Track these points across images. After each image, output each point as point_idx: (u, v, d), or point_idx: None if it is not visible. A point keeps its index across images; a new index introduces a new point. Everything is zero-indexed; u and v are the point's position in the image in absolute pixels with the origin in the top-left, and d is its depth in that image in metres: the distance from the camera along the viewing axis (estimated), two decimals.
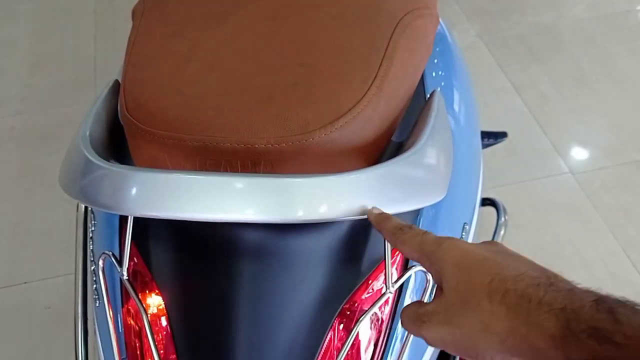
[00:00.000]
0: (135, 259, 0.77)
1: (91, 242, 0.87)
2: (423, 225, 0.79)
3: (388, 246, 0.70)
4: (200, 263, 0.73)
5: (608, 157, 1.88)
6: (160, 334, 0.74)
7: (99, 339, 0.81)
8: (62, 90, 2.19)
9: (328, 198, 0.59)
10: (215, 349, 0.70)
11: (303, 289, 0.71)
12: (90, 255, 0.86)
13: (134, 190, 0.60)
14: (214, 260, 0.72)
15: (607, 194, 1.78)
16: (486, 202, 1.01)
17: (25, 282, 1.65)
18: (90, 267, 0.85)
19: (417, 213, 0.79)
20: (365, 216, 0.62)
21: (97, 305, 0.81)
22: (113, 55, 2.30)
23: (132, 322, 0.78)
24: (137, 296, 0.73)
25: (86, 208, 1.02)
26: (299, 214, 0.59)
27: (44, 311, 1.58)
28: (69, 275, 1.66)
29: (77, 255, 0.94)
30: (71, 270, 1.68)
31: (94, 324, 0.84)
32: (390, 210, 0.62)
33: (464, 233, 0.86)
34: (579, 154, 1.90)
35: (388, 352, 0.74)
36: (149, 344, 0.71)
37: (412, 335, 0.72)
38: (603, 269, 1.63)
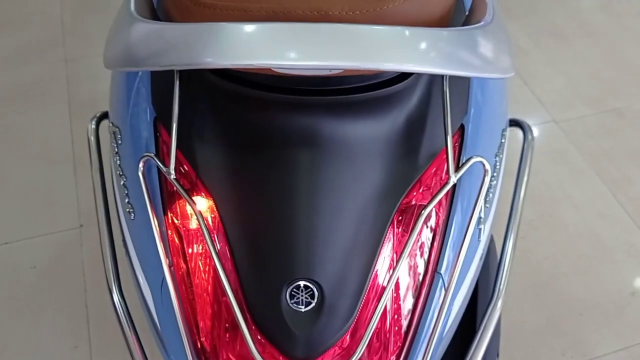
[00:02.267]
0: (178, 159, 0.72)
1: (117, 158, 0.81)
2: (470, 131, 0.77)
3: (449, 135, 0.69)
4: (251, 156, 0.69)
5: (588, 105, 1.92)
6: (213, 236, 0.70)
7: (135, 257, 0.76)
8: (29, 50, 2.07)
9: (413, 48, 0.56)
10: (274, 243, 0.66)
11: (362, 180, 0.69)
12: (117, 170, 0.80)
13: (228, 41, 0.55)
14: (267, 152, 0.68)
15: (590, 140, 1.83)
16: (511, 122, 1.00)
17: (7, 243, 1.55)
18: (119, 182, 0.79)
19: (464, 111, 0.78)
20: (446, 72, 0.59)
21: (133, 218, 0.76)
22: (81, 13, 2.20)
23: (175, 231, 0.74)
24: (188, 194, 0.68)
25: (100, 121, 0.96)
26: (386, 62, 0.55)
27: (30, 271, 1.49)
28: (52, 234, 1.58)
29: (93, 175, 0.88)
30: (54, 228, 1.61)
31: (124, 242, 0.79)
32: (468, 72, 0.60)
33: (503, 140, 0.86)
34: (560, 103, 1.94)
35: (443, 254, 0.73)
36: (206, 245, 0.67)
37: (468, 238, 0.71)
38: (592, 209, 1.67)
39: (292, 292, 0.65)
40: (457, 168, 0.70)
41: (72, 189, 1.66)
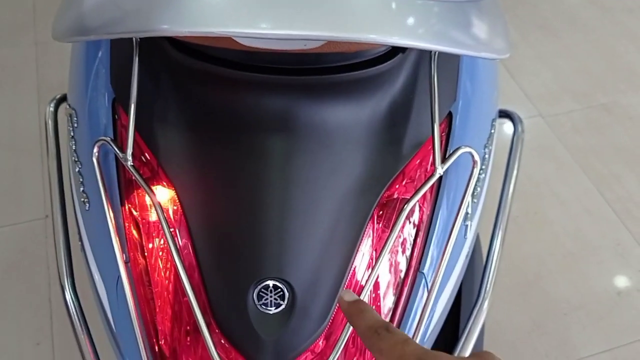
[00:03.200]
0: (137, 144, 0.65)
1: (73, 142, 0.74)
2: (458, 120, 0.71)
3: (436, 122, 0.63)
4: (217, 142, 0.62)
5: (576, 100, 1.88)
6: (174, 230, 0.63)
7: (89, 251, 0.69)
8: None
9: (400, 17, 0.49)
10: (241, 241, 0.60)
11: (341, 171, 0.62)
12: (72, 156, 0.73)
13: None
14: (235, 138, 0.62)
15: (578, 136, 1.79)
16: (501, 113, 0.95)
17: None
18: (75, 169, 0.72)
19: (452, 98, 0.72)
20: (432, 47, 0.52)
21: (87, 208, 0.69)
22: None
23: (133, 223, 0.67)
24: (147, 183, 0.62)
25: (59, 104, 0.89)
26: (368, 33, 0.48)
27: None
28: (16, 224, 1.50)
29: (49, 162, 0.81)
30: (18, 219, 1.53)
31: (79, 235, 0.72)
32: (460, 49, 0.53)
33: (492, 130, 0.80)
34: (547, 97, 1.89)
35: (426, 252, 0.67)
36: (166, 240, 0.61)
37: (454, 235, 0.65)
38: (578, 206, 1.63)
39: (260, 293, 0.59)
40: (444, 159, 0.64)
41: (38, 178, 1.58)
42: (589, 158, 1.73)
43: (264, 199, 0.60)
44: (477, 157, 0.65)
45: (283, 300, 0.59)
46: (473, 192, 0.72)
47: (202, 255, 0.61)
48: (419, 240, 0.67)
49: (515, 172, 0.88)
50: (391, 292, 0.65)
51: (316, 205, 0.61)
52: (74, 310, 0.71)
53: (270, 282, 0.59)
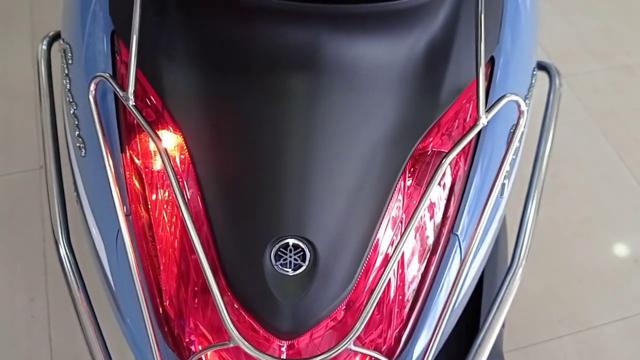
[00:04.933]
0: (139, 83, 0.58)
1: (67, 81, 0.66)
2: (501, 66, 0.64)
3: (481, 65, 0.55)
4: (231, 81, 0.55)
5: (597, 60, 1.80)
6: (181, 180, 0.56)
7: (86, 202, 0.63)
8: None
9: None
10: (258, 194, 0.53)
11: (371, 118, 0.55)
12: (66, 96, 0.66)
13: None
14: (251, 77, 0.54)
15: (598, 97, 1.71)
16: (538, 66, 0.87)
17: None
18: (69, 111, 0.65)
19: (496, 41, 0.64)
20: None
21: (83, 155, 0.62)
22: None
23: (134, 172, 0.60)
24: (151, 127, 0.54)
25: (53, 42, 0.81)
26: None
27: None
28: (10, 175, 1.43)
29: (42, 104, 0.73)
30: (12, 169, 1.45)
31: (75, 185, 0.65)
32: None
33: (533, 80, 0.73)
34: (568, 56, 1.80)
35: (461, 212, 0.60)
36: (172, 191, 0.53)
37: (494, 194, 0.58)
38: (597, 172, 1.56)
39: (279, 253, 0.52)
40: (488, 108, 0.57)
41: (32, 127, 1.50)
42: (609, 121, 1.65)
43: (284, 147, 0.53)
44: (523, 107, 0.57)
45: (304, 261, 0.52)
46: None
47: (212, 208, 0.54)
48: (453, 199, 0.60)
49: (552, 129, 0.81)
50: (423, 255, 0.59)
51: (342, 155, 0.54)
52: (68, 267, 0.64)
53: (290, 241, 0.52)
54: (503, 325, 0.90)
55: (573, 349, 1.28)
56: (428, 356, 0.57)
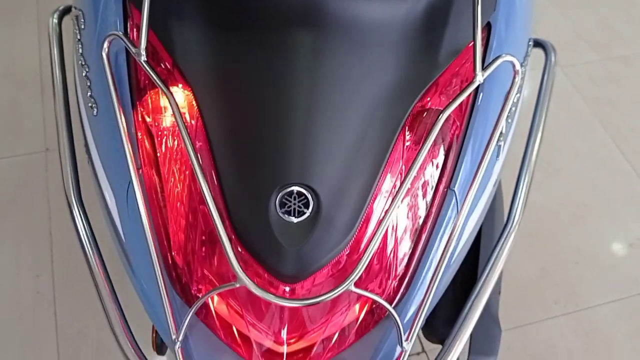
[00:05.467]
0: (150, 43, 0.60)
1: (80, 46, 0.69)
2: (497, 31, 0.66)
3: (478, 27, 0.58)
4: (238, 37, 0.57)
5: (594, 51, 1.82)
6: (191, 132, 0.59)
7: (97, 159, 0.65)
8: None
9: None
10: (264, 144, 0.56)
11: (373, 73, 0.58)
12: (79, 60, 0.68)
13: None
14: (258, 33, 0.57)
15: (595, 87, 1.73)
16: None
17: None
18: (81, 74, 0.67)
19: (492, 8, 0.66)
20: None
21: (95, 114, 0.65)
22: None
23: (145, 130, 0.62)
24: (161, 79, 0.57)
25: (63, 15, 0.83)
26: None
27: None
28: (15, 157, 1.45)
29: (54, 72, 0.75)
30: (18, 151, 1.48)
31: (86, 144, 0.67)
32: None
33: (529, 50, 0.75)
34: (565, 47, 1.83)
35: (458, 168, 0.63)
36: (182, 142, 0.56)
37: (490, 149, 0.61)
38: (593, 159, 1.59)
39: (283, 200, 0.55)
40: (489, 63, 0.59)
41: (39, 111, 1.53)
42: (606, 110, 1.68)
43: (289, 99, 0.55)
44: (518, 66, 0.60)
45: (307, 208, 0.55)
46: (508, 112, 0.67)
47: (220, 160, 0.56)
48: (451, 156, 0.63)
49: (547, 101, 0.84)
50: (420, 208, 0.62)
51: (345, 108, 0.56)
52: (81, 225, 0.66)
53: (295, 188, 0.55)
54: (499, 292, 0.93)
55: (568, 328, 1.31)
56: (425, 305, 0.59)
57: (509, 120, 0.68)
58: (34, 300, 1.24)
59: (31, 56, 1.63)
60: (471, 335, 0.80)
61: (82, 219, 0.66)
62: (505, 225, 0.71)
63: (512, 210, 0.74)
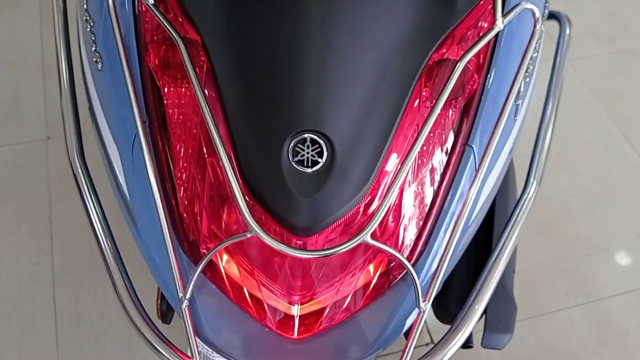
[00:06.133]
0: None
1: (84, 1, 0.67)
2: None
3: None
4: None
5: (602, 44, 1.81)
6: (200, 79, 0.56)
7: (100, 114, 0.63)
8: None
9: None
10: (276, 89, 0.53)
11: (388, 19, 0.56)
12: (83, 16, 0.66)
13: None
14: None
15: (603, 79, 1.72)
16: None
17: None
18: (85, 29, 0.65)
19: None
20: None
21: (100, 68, 0.62)
22: None
23: (150, 81, 0.60)
24: (170, 23, 0.55)
25: None
26: None
27: None
28: (17, 144, 1.43)
29: (56, 19, 0.73)
30: (19, 139, 1.45)
31: (89, 100, 0.65)
32: None
33: (545, 10, 0.73)
34: (573, 40, 1.80)
35: (476, 124, 0.60)
36: (191, 88, 0.54)
37: (510, 103, 0.59)
38: (602, 149, 1.56)
39: (296, 148, 0.52)
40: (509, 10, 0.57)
41: (40, 98, 1.51)
42: (614, 102, 1.66)
43: (302, 44, 0.53)
44: (538, 14, 0.58)
45: (321, 158, 0.52)
46: (525, 71, 0.65)
47: (230, 107, 0.54)
48: (469, 111, 0.60)
49: (563, 71, 0.82)
50: (438, 164, 0.59)
51: (360, 54, 0.54)
52: (84, 184, 0.64)
53: (308, 136, 0.52)
54: (513, 270, 0.90)
55: (581, 320, 1.27)
56: (443, 264, 0.57)
57: (527, 80, 0.66)
58: (33, 288, 1.21)
59: (33, 43, 1.61)
60: (486, 312, 0.78)
61: (83, 176, 0.63)
62: (522, 194, 0.69)
63: (529, 178, 0.71)
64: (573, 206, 1.45)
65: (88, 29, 0.65)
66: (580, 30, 1.84)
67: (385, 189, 0.56)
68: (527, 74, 0.66)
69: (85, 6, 0.67)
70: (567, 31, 0.87)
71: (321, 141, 0.52)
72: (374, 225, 0.51)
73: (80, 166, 0.64)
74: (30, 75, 1.54)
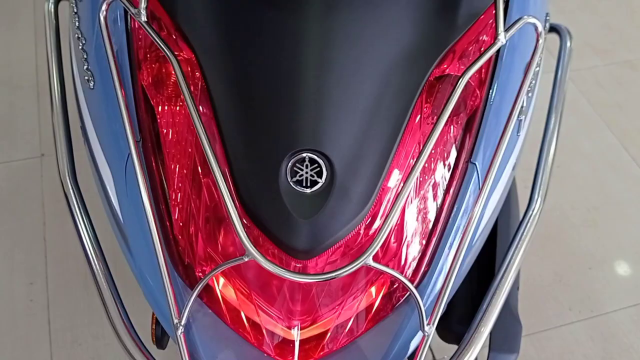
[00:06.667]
0: (151, 7, 0.57)
1: (76, 19, 0.66)
2: (515, 3, 0.63)
3: None
4: None
5: (599, 56, 1.80)
6: (195, 97, 0.55)
7: (93, 134, 0.61)
8: None
9: None
10: (273, 107, 0.52)
11: (389, 34, 0.54)
12: (75, 34, 0.65)
13: None
14: None
15: (601, 91, 1.71)
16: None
17: None
18: (77, 47, 0.64)
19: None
20: None
21: (92, 87, 0.61)
22: None
23: (143, 100, 0.59)
24: (162, 40, 0.53)
25: (59, 1, 0.80)
26: None
27: None
28: (10, 162, 1.41)
29: (50, 54, 0.72)
30: (13, 157, 1.43)
31: (81, 119, 0.64)
32: None
33: (547, 18, 0.72)
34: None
35: (479, 141, 0.59)
36: (185, 107, 0.52)
37: (514, 117, 0.57)
38: (603, 161, 1.55)
39: (294, 168, 0.51)
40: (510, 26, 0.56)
41: (35, 116, 1.49)
42: (613, 113, 1.65)
43: (300, 58, 0.52)
44: (540, 28, 0.57)
45: (320, 178, 0.51)
46: (528, 85, 0.64)
47: (226, 126, 0.52)
48: (471, 128, 0.59)
49: (564, 84, 0.81)
50: (440, 182, 0.57)
51: (359, 70, 0.52)
52: (75, 203, 0.62)
53: (307, 155, 0.51)
54: (517, 287, 0.88)
55: (584, 335, 1.25)
56: (447, 285, 0.55)
57: (529, 95, 0.65)
58: (28, 308, 1.19)
59: (28, 61, 1.60)
60: (490, 332, 0.76)
61: (75, 195, 0.61)
62: (527, 210, 0.67)
63: (533, 195, 0.70)
64: (574, 219, 1.43)
65: (80, 47, 0.63)
66: (577, 43, 1.83)
67: (388, 208, 0.54)
68: (529, 89, 0.64)
69: (77, 24, 0.65)
70: (568, 44, 0.86)
71: (320, 160, 0.51)
72: (376, 247, 0.50)
73: (72, 186, 0.62)
74: (24, 93, 1.53)
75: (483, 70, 0.60)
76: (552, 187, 1.48)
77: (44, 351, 1.13)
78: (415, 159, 0.53)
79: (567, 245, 1.39)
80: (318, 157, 0.51)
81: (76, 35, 0.65)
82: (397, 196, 0.52)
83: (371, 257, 0.50)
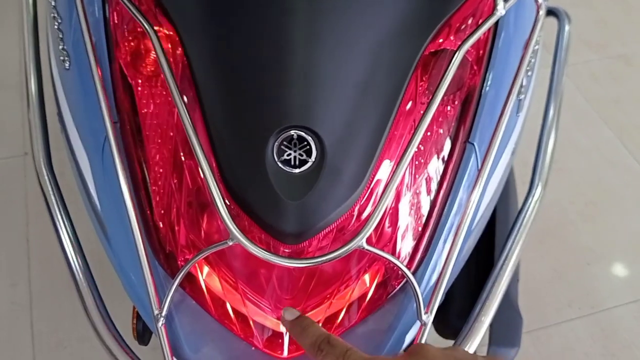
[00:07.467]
0: None
1: None
2: None
3: None
4: None
5: (594, 50, 1.78)
6: (175, 74, 0.51)
7: (68, 116, 0.58)
8: None
9: None
10: (259, 81, 0.48)
11: (382, 8, 0.51)
12: (51, 13, 0.61)
13: None
14: None
15: (596, 86, 1.69)
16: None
17: None
18: (53, 26, 0.60)
19: None
20: None
21: (67, 67, 0.57)
22: None
23: (121, 80, 0.55)
24: (142, 15, 0.50)
25: None
26: None
27: None
28: None
29: (26, 29, 0.68)
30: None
31: (57, 101, 0.60)
32: None
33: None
34: None
35: (477, 120, 0.56)
36: (165, 85, 0.49)
37: (513, 97, 0.54)
38: (599, 156, 1.52)
39: (282, 147, 0.47)
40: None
41: (18, 114, 1.45)
42: (609, 108, 1.63)
43: (287, 30, 0.48)
44: (541, 0, 0.54)
45: (309, 157, 0.47)
46: (527, 64, 0.61)
47: (208, 103, 0.49)
48: (469, 106, 0.56)
49: (564, 67, 0.78)
50: (436, 162, 0.54)
51: (351, 42, 0.49)
52: (50, 192, 0.59)
53: (295, 132, 0.47)
54: (517, 280, 0.85)
55: (585, 332, 1.22)
56: (446, 272, 0.52)
57: (529, 74, 0.62)
58: (10, 311, 1.15)
59: (11, 60, 1.56)
60: (490, 325, 0.72)
61: (51, 183, 0.58)
62: (527, 197, 0.64)
63: (534, 180, 0.67)
64: (572, 214, 1.40)
65: (56, 27, 0.60)
66: (572, 38, 1.82)
67: (381, 190, 0.51)
68: (528, 68, 0.61)
69: (53, 3, 0.62)
70: (567, 27, 0.84)
71: (309, 138, 0.47)
72: (370, 228, 0.46)
73: (49, 178, 0.59)
74: (8, 94, 1.49)
75: (481, 47, 0.57)
76: (549, 183, 1.45)
77: (27, 355, 1.09)
78: (410, 139, 0.50)
79: (565, 241, 1.36)
80: (307, 134, 0.47)
81: (52, 14, 0.61)
82: (392, 176, 0.48)
83: (365, 240, 0.46)
